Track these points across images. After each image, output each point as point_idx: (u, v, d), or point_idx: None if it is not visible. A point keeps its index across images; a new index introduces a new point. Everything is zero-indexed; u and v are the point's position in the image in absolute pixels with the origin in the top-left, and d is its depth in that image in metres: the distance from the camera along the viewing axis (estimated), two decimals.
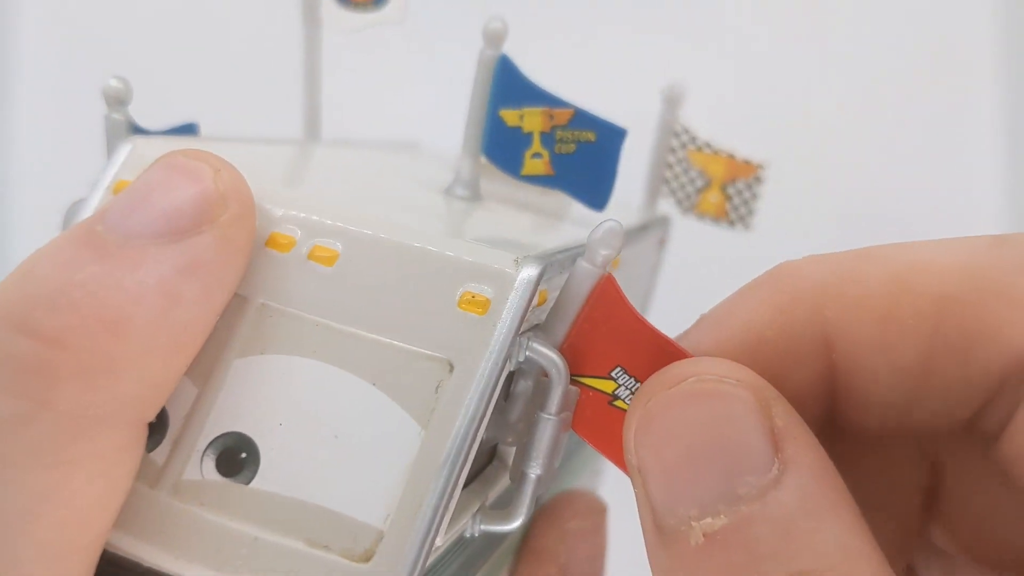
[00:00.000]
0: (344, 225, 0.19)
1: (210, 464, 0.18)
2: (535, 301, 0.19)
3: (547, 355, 0.19)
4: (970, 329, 0.18)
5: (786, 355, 0.20)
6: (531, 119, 0.26)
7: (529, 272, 0.19)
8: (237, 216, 0.18)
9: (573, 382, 0.20)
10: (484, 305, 0.18)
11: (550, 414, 0.20)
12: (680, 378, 0.18)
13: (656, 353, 0.20)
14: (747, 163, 0.35)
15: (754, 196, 0.35)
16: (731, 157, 0.35)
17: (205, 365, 0.19)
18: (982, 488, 0.22)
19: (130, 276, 0.17)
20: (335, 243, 0.19)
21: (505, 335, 0.18)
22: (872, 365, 0.19)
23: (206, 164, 0.19)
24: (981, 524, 0.22)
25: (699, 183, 0.36)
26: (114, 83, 0.23)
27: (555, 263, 0.20)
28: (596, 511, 0.29)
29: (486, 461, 0.23)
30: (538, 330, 0.20)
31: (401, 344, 0.18)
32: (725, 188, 0.35)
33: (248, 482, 0.18)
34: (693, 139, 0.35)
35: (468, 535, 0.20)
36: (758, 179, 0.35)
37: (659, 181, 0.36)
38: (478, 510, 0.20)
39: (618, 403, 0.20)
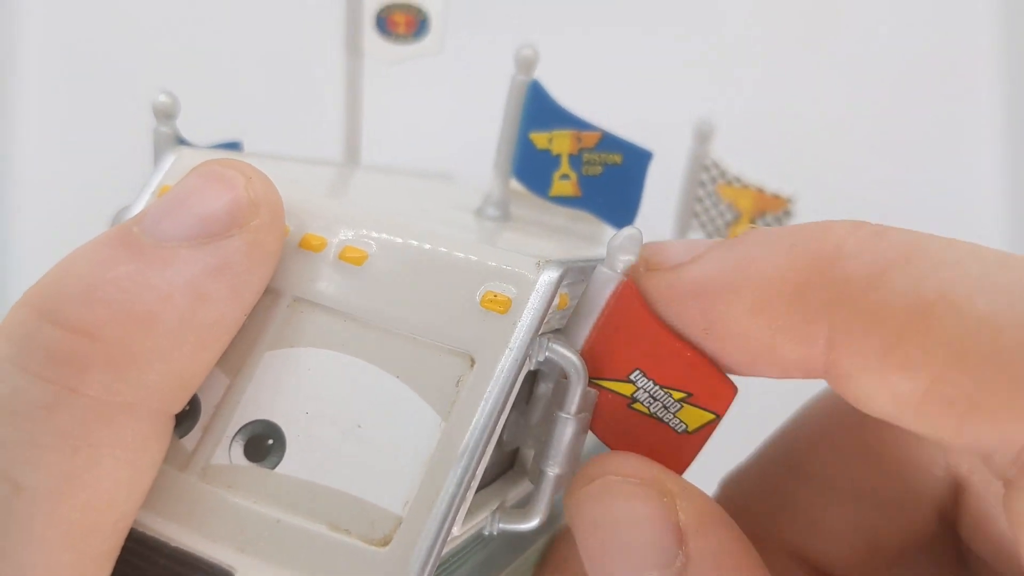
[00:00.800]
0: (374, 229, 0.20)
1: (238, 450, 0.19)
2: (555, 303, 0.19)
3: (566, 355, 0.20)
4: None
5: None
6: (560, 142, 0.27)
7: (550, 274, 0.19)
8: (267, 222, 0.19)
9: (592, 384, 0.21)
10: (505, 304, 0.19)
11: (568, 413, 0.20)
12: (592, 477, 0.20)
13: (675, 357, 0.20)
14: (776, 197, 0.35)
15: None
16: (760, 191, 0.36)
17: (237, 357, 0.19)
18: (999, 513, 0.22)
19: (161, 275, 0.18)
20: (365, 245, 0.20)
21: (525, 332, 0.19)
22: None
23: (239, 173, 0.19)
24: (1000, 543, 0.22)
25: (728, 216, 0.36)
26: (163, 98, 0.24)
27: (576, 268, 0.20)
28: None
29: (507, 466, 0.23)
30: (559, 333, 0.20)
31: (424, 339, 0.19)
32: (754, 222, 0.36)
33: (274, 467, 0.19)
34: (723, 173, 0.36)
35: (487, 532, 0.21)
36: (787, 213, 0.36)
37: (689, 215, 0.37)
38: (497, 508, 0.21)
39: (637, 406, 0.21)
